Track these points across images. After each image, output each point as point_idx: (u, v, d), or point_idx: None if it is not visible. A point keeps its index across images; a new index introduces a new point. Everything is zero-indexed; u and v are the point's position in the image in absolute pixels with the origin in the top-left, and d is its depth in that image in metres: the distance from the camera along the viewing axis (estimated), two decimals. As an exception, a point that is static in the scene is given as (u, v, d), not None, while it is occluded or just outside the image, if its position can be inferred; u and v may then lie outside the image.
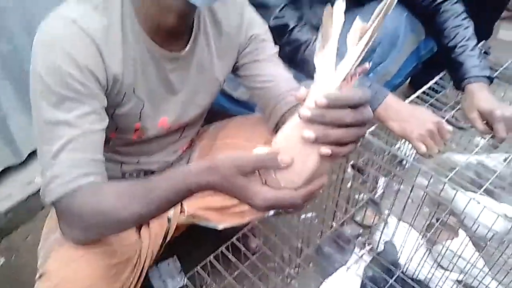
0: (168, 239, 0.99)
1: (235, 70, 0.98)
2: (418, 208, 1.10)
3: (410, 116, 1.06)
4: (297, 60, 1.18)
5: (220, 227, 1.03)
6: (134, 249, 0.87)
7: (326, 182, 0.60)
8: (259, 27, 0.94)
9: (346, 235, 1.28)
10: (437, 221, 1.20)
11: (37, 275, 0.78)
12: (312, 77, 1.29)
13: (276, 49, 0.98)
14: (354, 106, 0.54)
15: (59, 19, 0.72)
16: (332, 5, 0.53)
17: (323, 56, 0.54)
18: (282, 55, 1.19)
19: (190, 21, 0.84)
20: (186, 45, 0.85)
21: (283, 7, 1.17)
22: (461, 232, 1.22)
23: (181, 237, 1.10)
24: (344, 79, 0.53)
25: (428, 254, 1.20)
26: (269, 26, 1.10)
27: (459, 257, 1.08)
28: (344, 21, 0.54)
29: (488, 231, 1.05)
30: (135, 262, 0.86)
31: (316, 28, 1.24)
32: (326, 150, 0.55)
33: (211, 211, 1.01)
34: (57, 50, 0.71)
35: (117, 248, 0.80)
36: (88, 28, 0.72)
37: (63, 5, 0.74)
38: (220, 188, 0.63)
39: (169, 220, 0.98)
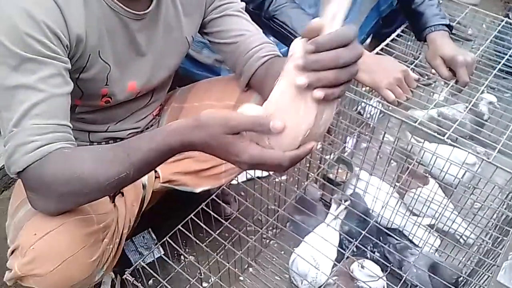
0: (144, 206, 0.96)
1: (202, 28, 0.95)
2: (389, 159, 1.13)
3: (378, 66, 1.07)
4: (262, 17, 1.15)
5: (197, 190, 1.00)
6: (111, 217, 0.83)
7: (316, 147, 0.59)
8: None
9: (315, 194, 1.29)
10: (407, 170, 1.23)
11: (9, 251, 0.73)
12: (277, 34, 1.27)
13: (242, 4, 0.95)
14: (344, 45, 0.52)
15: None
16: None
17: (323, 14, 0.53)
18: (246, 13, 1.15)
19: None
20: (150, 4, 0.81)
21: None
22: (431, 179, 1.26)
23: (154, 209, 1.07)
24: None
25: (400, 204, 1.23)
26: None
27: (431, 201, 1.12)
28: None
29: (455, 178, 1.09)
30: (113, 230, 0.83)
31: None
32: (319, 92, 0.53)
33: (186, 175, 0.99)
34: (13, 8, 0.65)
35: (93, 216, 0.76)
36: None
37: None
38: (204, 147, 0.61)
39: (144, 186, 0.95)
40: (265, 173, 1.44)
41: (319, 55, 0.52)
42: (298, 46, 0.55)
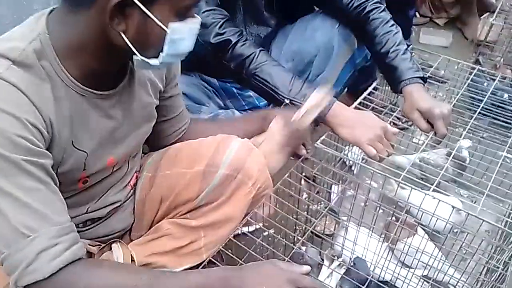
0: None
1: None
2: (377, 209, 1.12)
3: (358, 122, 1.08)
4: (244, 75, 1.18)
5: (179, 270, 0.94)
6: None
7: None
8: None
9: (315, 257, 1.26)
10: (396, 220, 1.22)
11: None
12: (258, 90, 1.31)
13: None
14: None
15: None
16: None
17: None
18: (227, 71, 1.17)
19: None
20: (120, 80, 0.83)
21: (222, 24, 1.17)
22: (419, 229, 1.25)
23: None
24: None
25: (392, 255, 1.21)
26: (211, 44, 1.09)
27: (422, 252, 1.10)
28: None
29: (446, 224, 1.08)
30: None
31: (256, 44, 1.25)
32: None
33: (164, 255, 0.95)
34: None
35: None
36: (14, 80, 0.67)
37: None
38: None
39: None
40: (251, 228, 1.41)
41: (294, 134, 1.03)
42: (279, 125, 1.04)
